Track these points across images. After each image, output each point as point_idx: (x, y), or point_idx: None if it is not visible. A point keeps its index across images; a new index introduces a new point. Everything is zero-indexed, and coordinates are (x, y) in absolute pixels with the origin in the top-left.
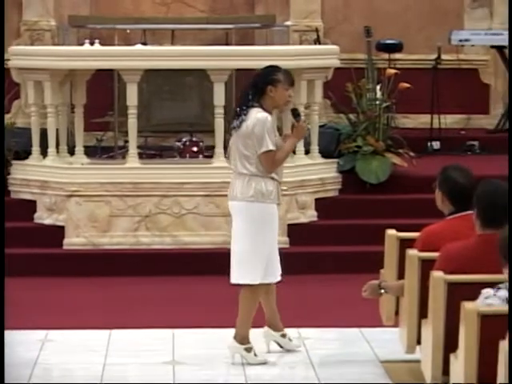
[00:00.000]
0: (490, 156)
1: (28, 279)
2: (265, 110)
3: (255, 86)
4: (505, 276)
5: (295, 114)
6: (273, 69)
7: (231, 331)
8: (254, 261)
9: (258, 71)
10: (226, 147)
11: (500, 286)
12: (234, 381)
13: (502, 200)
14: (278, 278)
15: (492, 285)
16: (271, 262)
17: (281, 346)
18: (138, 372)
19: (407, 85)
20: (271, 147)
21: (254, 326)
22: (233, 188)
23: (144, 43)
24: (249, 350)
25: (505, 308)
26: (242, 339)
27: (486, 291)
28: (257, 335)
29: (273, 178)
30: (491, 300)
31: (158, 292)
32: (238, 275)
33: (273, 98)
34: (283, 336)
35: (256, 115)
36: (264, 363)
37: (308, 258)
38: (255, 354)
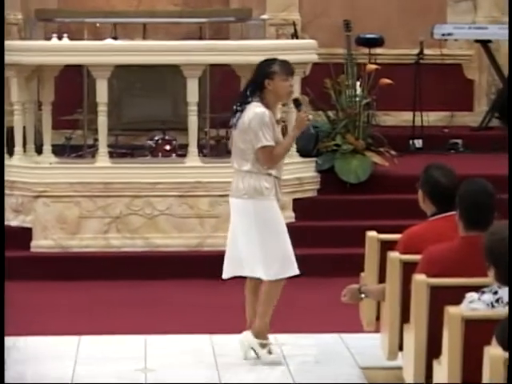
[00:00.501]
0: (474, 155)
1: None
2: (267, 104)
3: (253, 82)
4: (490, 279)
5: (296, 103)
6: (268, 61)
7: (206, 337)
8: (279, 254)
9: (255, 66)
10: (199, 145)
11: (484, 289)
12: None
13: (486, 200)
14: (296, 272)
15: (476, 289)
16: (285, 256)
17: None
18: (108, 380)
19: (388, 81)
20: (267, 142)
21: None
22: (231, 185)
23: (114, 38)
24: (263, 345)
25: (490, 313)
26: (258, 333)
27: (470, 295)
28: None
29: (270, 175)
30: (475, 304)
31: (130, 297)
32: (262, 273)
33: (272, 91)
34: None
35: (253, 110)
36: (278, 363)
37: None
38: (270, 352)
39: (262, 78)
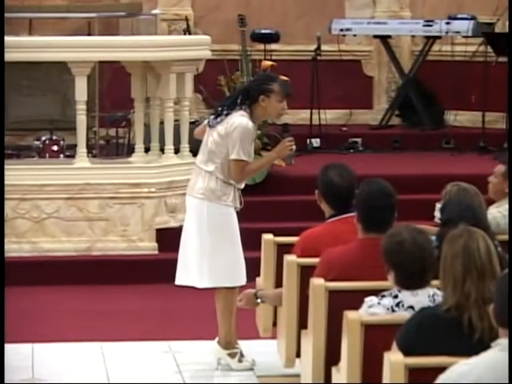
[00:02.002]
0: (373, 154)
1: None
2: (253, 117)
3: (247, 92)
4: (389, 283)
5: (285, 129)
6: (269, 77)
7: (96, 345)
8: (225, 262)
9: (254, 77)
10: (89, 146)
11: (384, 293)
12: None
13: (383, 201)
14: (243, 283)
15: (376, 292)
16: (233, 265)
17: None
18: None
19: (284, 78)
20: (243, 157)
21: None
22: (189, 182)
23: None
24: (233, 355)
25: (389, 317)
26: (226, 344)
27: (370, 299)
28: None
29: (230, 184)
30: (375, 309)
31: (15, 304)
32: (208, 278)
33: (264, 108)
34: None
35: (239, 119)
36: (249, 369)
37: None
38: (240, 360)
39: (258, 93)
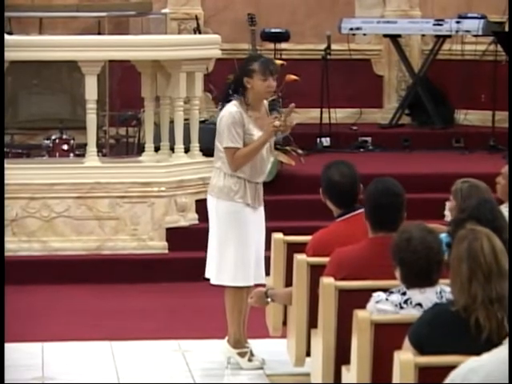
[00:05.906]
0: (383, 153)
1: None
2: (248, 103)
3: (235, 80)
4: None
5: (272, 107)
6: (250, 59)
7: (105, 343)
8: (230, 261)
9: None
10: (99, 145)
11: (393, 290)
12: None
13: (391, 200)
14: (248, 283)
15: (385, 291)
16: (238, 265)
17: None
18: None
19: (294, 77)
20: (231, 144)
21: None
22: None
23: (9, 33)
24: (242, 354)
25: (399, 316)
26: (236, 343)
27: (378, 295)
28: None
29: (239, 177)
30: (383, 305)
31: (26, 302)
32: (215, 275)
33: (252, 89)
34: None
35: (228, 108)
36: (259, 368)
37: (189, 264)
38: (249, 359)
39: (241, 76)
